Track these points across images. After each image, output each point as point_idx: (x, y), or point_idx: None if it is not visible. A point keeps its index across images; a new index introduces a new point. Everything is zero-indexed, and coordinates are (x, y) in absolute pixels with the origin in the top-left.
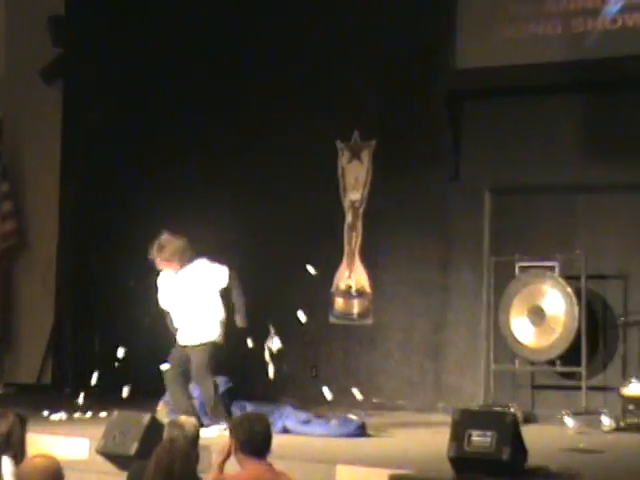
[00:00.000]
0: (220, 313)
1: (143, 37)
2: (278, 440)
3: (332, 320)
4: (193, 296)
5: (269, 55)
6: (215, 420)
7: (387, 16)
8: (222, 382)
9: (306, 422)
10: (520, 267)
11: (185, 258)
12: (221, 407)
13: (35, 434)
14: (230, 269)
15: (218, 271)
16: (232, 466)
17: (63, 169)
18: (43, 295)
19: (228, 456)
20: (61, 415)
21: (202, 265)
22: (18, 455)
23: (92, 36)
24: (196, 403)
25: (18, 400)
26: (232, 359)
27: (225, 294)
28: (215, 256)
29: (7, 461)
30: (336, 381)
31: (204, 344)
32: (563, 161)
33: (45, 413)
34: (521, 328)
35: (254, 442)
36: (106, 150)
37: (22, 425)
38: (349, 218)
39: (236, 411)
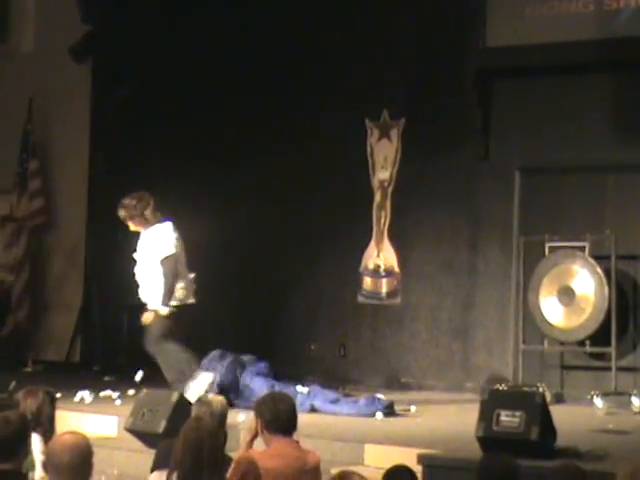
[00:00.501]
0: (161, 283)
1: (173, 13)
2: (306, 419)
3: (360, 300)
4: (143, 260)
5: (300, 32)
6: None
7: None
8: (250, 360)
9: (334, 401)
10: (550, 247)
11: (145, 220)
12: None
13: (64, 411)
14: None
15: (162, 244)
16: (261, 446)
17: (92, 147)
18: (72, 273)
19: (256, 435)
20: (89, 393)
21: (154, 232)
22: (47, 432)
23: (121, 13)
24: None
25: (47, 378)
26: (261, 339)
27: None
28: (245, 236)
29: (37, 438)
30: (364, 361)
31: (152, 310)
32: (593, 141)
33: (74, 391)
34: (550, 308)
35: (279, 420)
36: (135, 128)
37: (51, 403)
38: (378, 197)
39: (264, 390)
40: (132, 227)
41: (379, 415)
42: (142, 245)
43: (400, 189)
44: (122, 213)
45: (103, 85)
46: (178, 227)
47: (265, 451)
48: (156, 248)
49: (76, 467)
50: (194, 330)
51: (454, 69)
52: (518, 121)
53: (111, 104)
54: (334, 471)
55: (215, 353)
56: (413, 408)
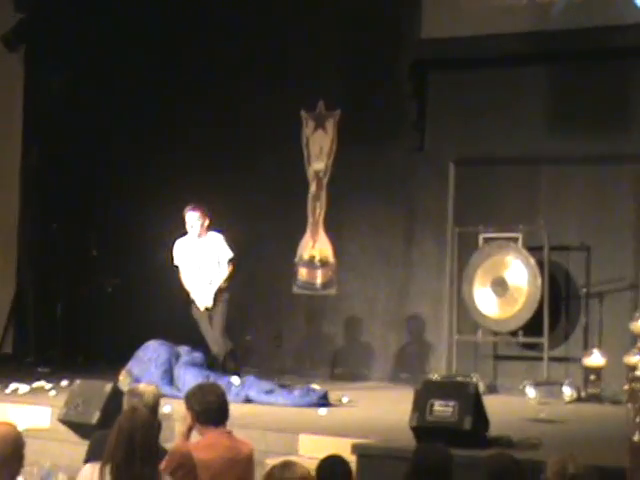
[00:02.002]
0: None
1: (106, 1)
2: (241, 410)
3: (296, 290)
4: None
5: (235, 24)
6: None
7: None
8: (185, 351)
9: (269, 392)
10: (484, 238)
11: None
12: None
13: None
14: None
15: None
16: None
17: (24, 137)
18: (4, 264)
19: (192, 426)
20: (22, 384)
21: (214, 239)
22: None
23: (55, 1)
24: None
25: None
26: (195, 329)
27: None
28: (177, 225)
29: None
30: (299, 351)
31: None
32: (527, 133)
33: (6, 382)
34: (484, 299)
35: (209, 412)
36: (68, 118)
37: None
38: (313, 188)
39: (199, 381)
40: (194, 231)
41: (322, 411)
42: (204, 251)
43: (335, 180)
44: (198, 215)
45: (36, 74)
46: (112, 217)
47: (198, 442)
48: (221, 251)
49: (7, 458)
50: (129, 320)
51: (390, 60)
52: (453, 113)
53: (44, 93)
54: (269, 461)
55: (150, 343)
56: (345, 399)
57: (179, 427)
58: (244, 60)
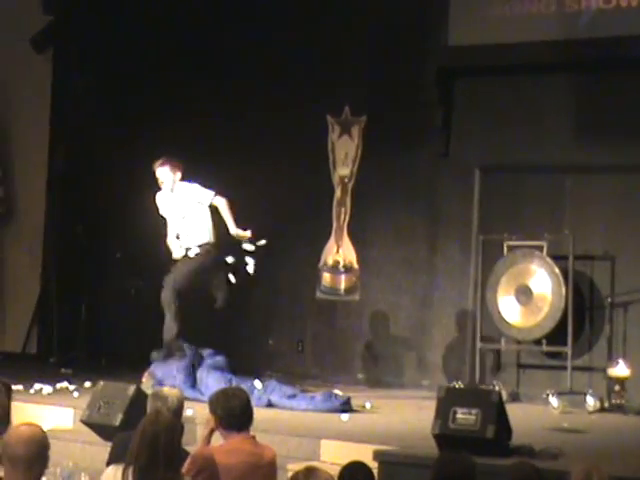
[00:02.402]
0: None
1: (134, 4)
2: (263, 414)
3: (319, 295)
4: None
5: (262, 29)
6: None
7: None
8: (207, 354)
9: (291, 396)
10: (508, 246)
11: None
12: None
13: (20, 403)
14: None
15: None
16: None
17: (52, 137)
18: (30, 264)
19: (214, 429)
20: (46, 385)
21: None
22: (3, 424)
23: (83, 3)
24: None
25: (3, 369)
26: (219, 333)
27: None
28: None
29: None
30: (322, 356)
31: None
32: (553, 141)
33: (30, 383)
34: (508, 307)
35: (232, 417)
36: (95, 119)
37: (7, 393)
38: (338, 193)
39: (221, 384)
40: (167, 185)
41: (344, 417)
42: (177, 200)
43: (360, 186)
44: (167, 170)
45: (64, 76)
46: (136, 219)
47: (220, 446)
48: (200, 194)
49: (32, 459)
50: (153, 323)
51: (416, 67)
52: (479, 120)
53: (72, 94)
54: (291, 466)
55: None
56: (368, 405)
57: (201, 430)
58: (271, 65)
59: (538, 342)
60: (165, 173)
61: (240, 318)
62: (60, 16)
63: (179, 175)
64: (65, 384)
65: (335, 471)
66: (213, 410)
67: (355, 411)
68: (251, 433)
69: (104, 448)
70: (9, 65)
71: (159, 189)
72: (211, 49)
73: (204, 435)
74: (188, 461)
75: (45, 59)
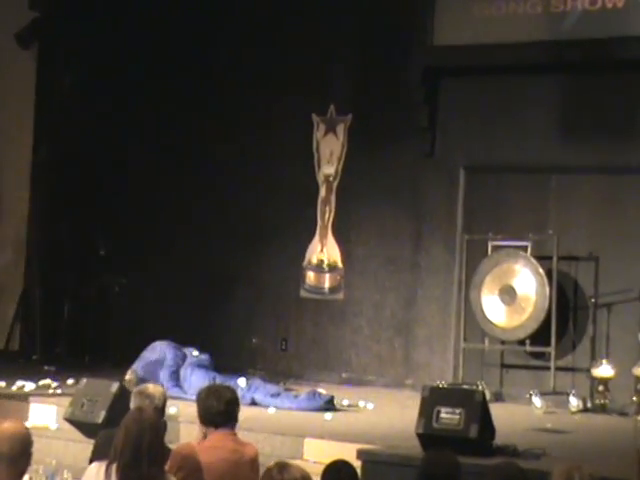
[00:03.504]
0: None
1: (120, 2)
2: (246, 412)
3: (303, 294)
4: None
5: (246, 28)
6: None
7: None
8: (191, 353)
9: (275, 395)
10: (493, 246)
11: None
12: None
13: (2, 400)
14: None
15: None
16: None
17: (36, 135)
18: (13, 262)
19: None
20: (28, 382)
21: None
22: None
23: (69, 0)
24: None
25: None
26: (203, 331)
27: None
28: (187, 228)
29: None
30: (306, 355)
31: None
32: (538, 141)
33: (13, 380)
34: (492, 307)
35: (208, 414)
36: (79, 116)
37: None
38: (323, 192)
39: (205, 382)
40: None
41: (328, 415)
42: None
43: (345, 184)
44: None
45: (48, 72)
46: (123, 218)
47: (200, 443)
48: None
49: (15, 456)
50: (136, 320)
51: (402, 66)
52: (464, 120)
53: (56, 92)
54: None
55: (157, 344)
56: (345, 402)
57: (188, 428)
58: (256, 63)
59: (522, 342)
60: None
61: (224, 316)
62: (46, 12)
63: None
64: (48, 381)
65: (318, 470)
66: (197, 406)
67: (338, 410)
68: (235, 431)
69: (87, 445)
70: None
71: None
72: (197, 47)
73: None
74: (170, 458)
75: (30, 55)
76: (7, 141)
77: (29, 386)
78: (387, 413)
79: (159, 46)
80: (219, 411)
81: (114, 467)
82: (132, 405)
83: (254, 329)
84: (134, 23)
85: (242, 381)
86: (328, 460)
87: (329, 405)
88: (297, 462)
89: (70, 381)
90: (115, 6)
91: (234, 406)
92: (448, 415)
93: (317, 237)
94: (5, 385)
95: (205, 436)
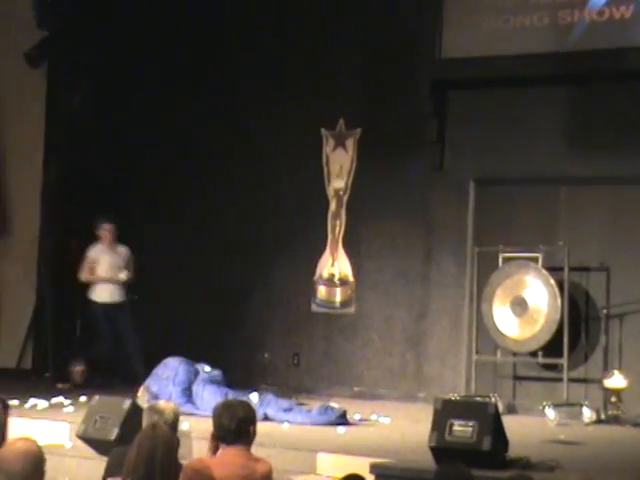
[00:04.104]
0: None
1: (128, 21)
2: (259, 428)
3: (314, 308)
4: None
5: (256, 42)
6: None
7: (372, 5)
8: (203, 369)
9: (287, 410)
10: (503, 258)
11: None
12: None
13: (15, 418)
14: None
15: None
16: None
17: (46, 153)
18: (24, 280)
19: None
20: (41, 400)
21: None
22: None
23: (78, 19)
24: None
25: None
26: (215, 347)
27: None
28: (198, 243)
29: None
30: (318, 369)
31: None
32: (547, 153)
33: (25, 398)
34: (503, 319)
35: (221, 430)
36: (89, 134)
37: (4, 409)
38: (333, 206)
39: (217, 398)
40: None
41: (340, 429)
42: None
43: (355, 198)
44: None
45: (58, 91)
46: (133, 235)
47: (212, 459)
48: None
49: (28, 475)
50: (148, 337)
51: (410, 80)
52: (473, 132)
53: (66, 110)
54: None
55: (169, 360)
56: (358, 416)
57: (200, 445)
58: (265, 78)
59: (534, 354)
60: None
61: (236, 332)
62: (54, 31)
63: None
64: (60, 399)
65: None
66: (213, 421)
67: (351, 424)
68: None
69: (100, 463)
70: (3, 79)
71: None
72: (206, 64)
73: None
74: (181, 474)
75: (40, 74)
76: (18, 159)
77: (42, 404)
78: (400, 427)
79: (168, 62)
80: (230, 429)
81: None
82: (144, 422)
83: (266, 344)
84: (142, 40)
85: (254, 396)
86: (341, 474)
87: (341, 419)
88: (311, 477)
89: (83, 398)
90: (123, 23)
91: (247, 424)
92: (461, 428)
93: (328, 251)
94: (18, 403)
95: (216, 451)
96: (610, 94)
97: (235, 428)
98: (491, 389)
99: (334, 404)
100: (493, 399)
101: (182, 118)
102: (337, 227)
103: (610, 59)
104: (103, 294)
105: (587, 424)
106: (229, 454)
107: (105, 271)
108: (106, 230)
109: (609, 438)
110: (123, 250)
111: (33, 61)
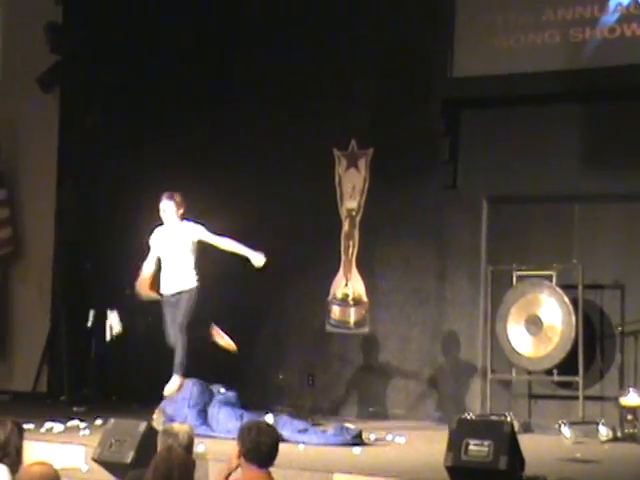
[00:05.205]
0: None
1: (139, 44)
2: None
3: (329, 329)
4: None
5: (266, 63)
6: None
7: (384, 24)
8: (218, 390)
9: (303, 431)
10: (517, 276)
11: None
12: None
13: (31, 442)
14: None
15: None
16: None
17: (60, 176)
18: (39, 302)
19: (236, 467)
20: (57, 423)
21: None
22: (15, 463)
23: (89, 43)
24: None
25: (13, 408)
26: (229, 369)
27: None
28: (211, 264)
29: (3, 469)
30: (332, 390)
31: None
32: (560, 170)
33: (41, 421)
34: (518, 337)
35: (259, 452)
36: (102, 157)
37: (19, 433)
38: (346, 227)
39: (232, 420)
40: (167, 217)
41: (356, 450)
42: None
43: (368, 218)
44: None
45: (71, 115)
46: (146, 254)
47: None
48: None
49: None
50: (163, 359)
51: (422, 99)
52: (485, 151)
53: (79, 134)
54: None
55: (184, 382)
56: (373, 436)
57: (218, 467)
58: (276, 98)
59: (549, 372)
60: (169, 207)
61: (250, 353)
62: (67, 55)
63: (182, 211)
64: (76, 422)
65: None
66: (242, 440)
67: (367, 444)
68: None
69: None
70: (17, 103)
71: (161, 223)
72: (217, 82)
73: (226, 470)
74: None
75: (52, 97)
76: (31, 183)
77: (57, 427)
78: (415, 446)
79: (180, 84)
80: (268, 451)
81: None
82: (159, 444)
83: (280, 365)
84: (155, 62)
85: (269, 418)
86: None
87: (357, 440)
88: None
89: (98, 421)
90: (136, 46)
91: (278, 448)
92: (477, 447)
93: (341, 271)
94: (34, 427)
95: (230, 473)
96: (623, 111)
97: (272, 452)
98: (506, 408)
99: (349, 425)
100: (509, 418)
101: (196, 138)
102: (350, 247)
103: (622, 76)
104: None
105: (603, 442)
106: (254, 476)
107: None
108: None
109: (626, 456)
110: None
111: (46, 86)
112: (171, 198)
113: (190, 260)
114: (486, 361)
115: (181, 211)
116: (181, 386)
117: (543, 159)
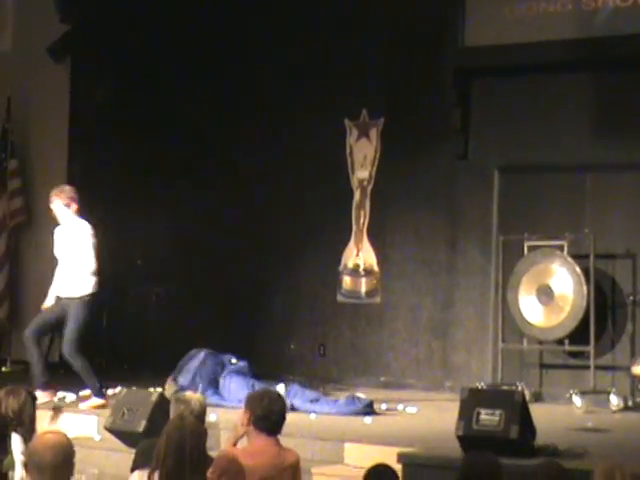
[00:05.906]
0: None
1: (151, 13)
2: (286, 418)
3: (340, 299)
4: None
5: (278, 34)
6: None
7: None
8: (230, 360)
9: (314, 400)
10: (529, 246)
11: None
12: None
13: (43, 411)
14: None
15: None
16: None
17: (71, 146)
18: (50, 272)
19: (242, 435)
20: (69, 393)
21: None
22: (28, 432)
23: (99, 12)
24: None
25: (26, 378)
26: (241, 339)
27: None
28: (222, 235)
29: (17, 438)
30: (344, 360)
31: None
32: (572, 140)
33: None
34: (529, 307)
35: (269, 420)
36: (113, 127)
37: (33, 402)
38: (357, 197)
39: (244, 389)
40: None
41: (367, 419)
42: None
43: (379, 188)
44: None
45: (81, 84)
46: (157, 227)
47: (245, 448)
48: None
49: (58, 467)
50: (174, 329)
51: (433, 68)
52: (497, 120)
53: (90, 103)
54: (315, 470)
55: (195, 352)
56: (384, 406)
57: (229, 436)
58: (288, 69)
59: (560, 342)
60: (57, 207)
61: (261, 323)
62: (77, 25)
63: (74, 207)
64: (88, 392)
65: (359, 474)
66: (251, 408)
67: (378, 414)
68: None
69: (128, 455)
70: (28, 74)
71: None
72: (227, 57)
73: (230, 441)
74: (213, 464)
75: (63, 68)
76: (43, 153)
77: (70, 397)
78: (426, 416)
79: (192, 55)
80: (277, 420)
81: (156, 475)
82: (171, 412)
83: (292, 335)
84: (166, 33)
85: (281, 387)
86: (369, 464)
87: (368, 409)
88: (338, 467)
89: (110, 391)
90: (145, 16)
91: (285, 417)
92: (488, 416)
93: (352, 241)
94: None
95: (237, 440)
96: (635, 80)
97: (281, 420)
98: (517, 377)
99: (361, 394)
100: (520, 387)
101: (205, 112)
102: (361, 217)
103: (635, 44)
104: None
105: (614, 411)
106: (263, 443)
107: None
108: None
109: (637, 425)
110: None
111: (56, 56)
112: (57, 196)
113: (85, 262)
114: (497, 331)
115: (73, 207)
116: (105, 405)
117: (555, 129)
